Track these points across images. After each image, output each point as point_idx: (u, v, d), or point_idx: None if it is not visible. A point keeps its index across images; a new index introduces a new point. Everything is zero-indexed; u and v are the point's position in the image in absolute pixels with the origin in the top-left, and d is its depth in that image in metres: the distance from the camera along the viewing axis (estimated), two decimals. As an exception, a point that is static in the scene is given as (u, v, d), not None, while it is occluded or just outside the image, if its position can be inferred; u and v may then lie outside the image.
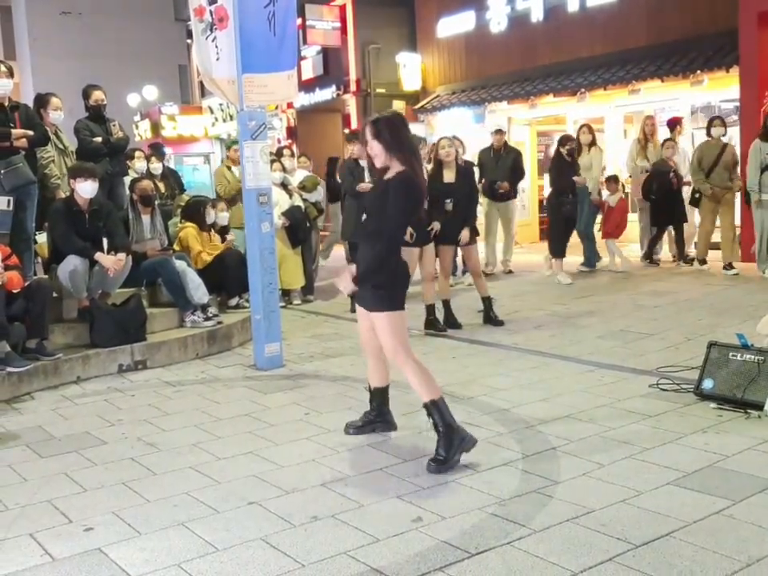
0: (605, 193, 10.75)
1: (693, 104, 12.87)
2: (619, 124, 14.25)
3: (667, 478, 3.70)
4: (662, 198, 10.41)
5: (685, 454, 4.01)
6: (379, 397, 4.59)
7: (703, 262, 10.30)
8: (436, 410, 4.05)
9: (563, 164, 9.77)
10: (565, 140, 9.92)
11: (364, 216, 4.28)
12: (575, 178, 9.73)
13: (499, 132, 10.91)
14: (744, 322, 6.50)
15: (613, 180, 10.78)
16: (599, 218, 10.95)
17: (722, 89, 12.10)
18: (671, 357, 5.93)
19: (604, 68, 13.39)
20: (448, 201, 7.35)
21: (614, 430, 4.43)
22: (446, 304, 7.62)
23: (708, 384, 4.86)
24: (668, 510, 3.35)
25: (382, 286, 4.12)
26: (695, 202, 10.40)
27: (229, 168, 9.64)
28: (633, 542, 3.08)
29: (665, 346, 6.34)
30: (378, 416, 4.60)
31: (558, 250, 9.96)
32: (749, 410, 4.55)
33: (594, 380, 5.50)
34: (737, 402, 4.65)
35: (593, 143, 10.83)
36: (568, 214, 9.73)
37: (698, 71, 11.90)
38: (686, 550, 3.00)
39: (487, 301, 7.72)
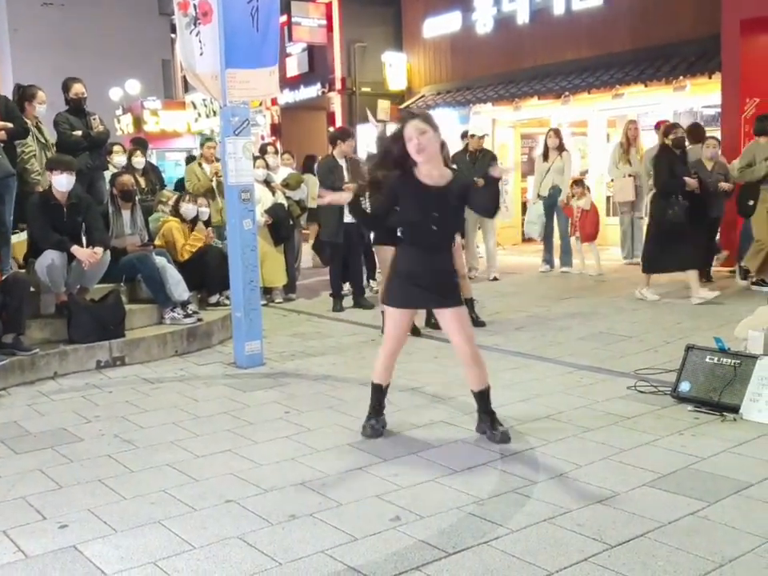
0: (573, 199, 10.71)
1: (675, 109, 12.95)
2: (602, 128, 14.33)
3: (643, 480, 3.72)
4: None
5: (661, 456, 4.03)
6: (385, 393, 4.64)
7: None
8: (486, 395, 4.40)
9: (672, 158, 8.36)
10: (670, 128, 8.57)
11: (426, 227, 4.16)
12: (687, 179, 8.34)
13: (473, 137, 10.79)
14: (722, 326, 6.55)
15: (579, 184, 10.71)
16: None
17: (704, 94, 12.19)
18: (650, 359, 5.97)
19: (588, 72, 13.44)
20: None
21: (592, 431, 4.45)
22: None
23: (685, 387, 4.90)
24: (643, 510, 3.37)
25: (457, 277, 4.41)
26: (748, 211, 9.04)
27: (200, 165, 9.57)
28: (608, 542, 3.10)
29: (644, 348, 6.38)
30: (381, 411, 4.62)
31: (653, 263, 8.44)
32: (725, 413, 4.59)
33: (573, 381, 5.53)
34: (713, 405, 4.69)
35: (561, 147, 10.88)
36: (676, 219, 8.12)
37: (681, 77, 11.98)
38: (660, 550, 3.02)
39: (470, 302, 7.72)
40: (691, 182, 8.37)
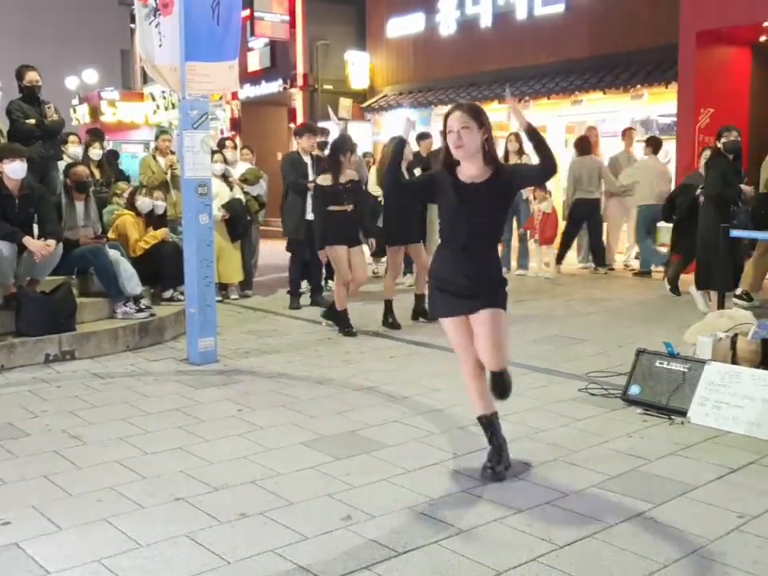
0: (535, 201, 10.79)
1: (633, 117, 13.16)
2: (561, 134, 14.48)
3: (592, 481, 3.76)
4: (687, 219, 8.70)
5: (610, 458, 4.08)
6: (497, 423, 3.98)
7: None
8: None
9: (725, 164, 7.68)
10: (722, 132, 7.83)
11: (461, 226, 3.82)
12: (743, 187, 7.82)
13: (426, 136, 10.76)
14: (672, 331, 6.65)
15: (542, 187, 10.77)
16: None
17: (660, 103, 12.41)
18: (601, 362, 6.04)
19: (548, 77, 13.60)
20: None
21: (543, 432, 4.49)
22: (389, 304, 7.67)
23: (635, 390, 4.97)
24: (591, 511, 3.41)
25: (505, 283, 4.00)
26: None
27: (155, 158, 9.48)
28: (557, 542, 3.13)
29: (596, 351, 6.46)
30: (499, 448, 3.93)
31: (710, 279, 7.58)
32: (673, 417, 4.66)
33: (526, 383, 5.56)
34: (662, 409, 4.77)
35: (521, 152, 10.95)
36: (742, 228, 7.29)
37: (639, 85, 12.18)
38: (607, 550, 3.06)
39: (422, 297, 7.75)
40: (747, 189, 7.91)
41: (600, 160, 11.16)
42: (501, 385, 3.90)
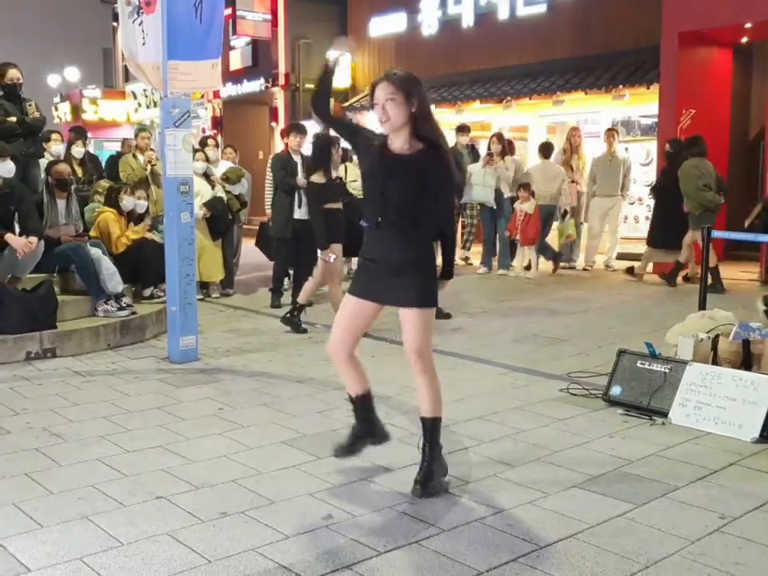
0: (518, 202, 10.82)
1: (614, 118, 13.23)
2: (542, 134, 14.53)
3: (573, 481, 3.78)
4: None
5: (591, 458, 4.10)
6: (369, 403, 3.94)
7: None
8: (438, 427, 3.75)
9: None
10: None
11: (375, 199, 3.60)
12: None
13: None
14: (654, 332, 6.68)
15: (525, 188, 10.80)
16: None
17: (642, 104, 12.48)
18: (582, 362, 6.07)
19: (530, 77, 13.63)
20: None
21: (525, 432, 4.51)
22: None
23: (616, 390, 5.00)
24: (573, 512, 3.43)
25: (432, 277, 3.63)
26: None
27: (135, 156, 9.45)
28: (538, 542, 3.14)
29: (577, 351, 6.49)
30: (370, 427, 3.93)
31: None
32: (654, 417, 4.69)
33: (507, 383, 5.59)
34: (643, 409, 4.79)
35: (504, 152, 11.01)
36: None
37: (620, 86, 12.24)
38: (588, 551, 3.07)
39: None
40: None
41: (560, 168, 11.27)
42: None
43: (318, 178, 7.09)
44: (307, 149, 10.95)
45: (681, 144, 10.19)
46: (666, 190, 10.05)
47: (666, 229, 10.06)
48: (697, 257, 9.60)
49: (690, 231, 9.67)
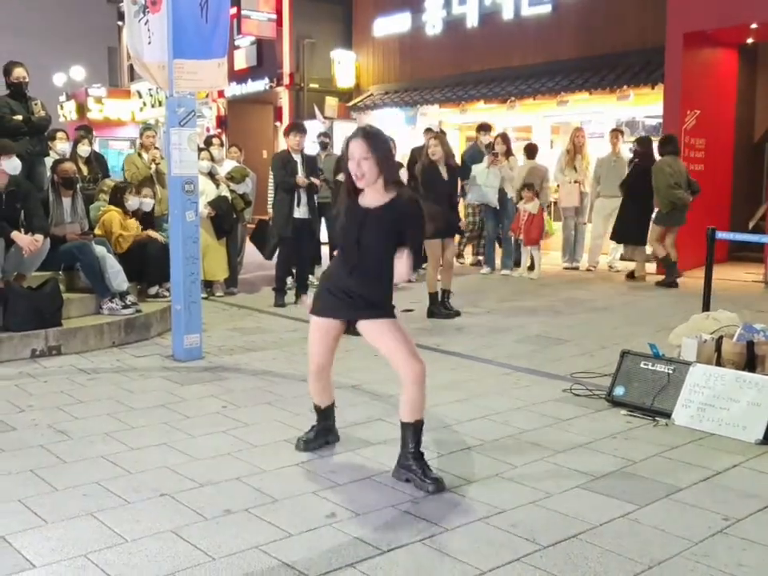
0: (522, 202, 10.83)
1: (618, 118, 13.22)
2: (546, 134, 14.52)
3: (576, 481, 3.78)
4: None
5: (594, 458, 4.11)
6: (331, 413, 4.29)
7: None
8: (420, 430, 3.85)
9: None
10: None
11: (351, 248, 3.82)
12: None
13: (429, 131, 10.99)
14: (657, 333, 6.69)
15: (530, 188, 10.81)
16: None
17: (646, 105, 12.47)
18: (586, 363, 6.07)
19: (534, 78, 13.63)
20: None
21: (528, 433, 4.51)
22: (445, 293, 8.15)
23: (619, 391, 5.00)
24: (576, 512, 3.43)
25: (390, 295, 3.87)
26: None
27: (140, 155, 9.48)
28: (541, 542, 3.14)
29: (580, 352, 6.49)
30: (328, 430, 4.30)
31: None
32: (657, 418, 4.69)
33: (510, 383, 5.59)
34: (646, 410, 4.79)
35: (509, 152, 11.02)
36: None
37: (625, 86, 12.23)
38: (591, 551, 3.08)
39: (447, 293, 8.20)
40: None
41: (545, 167, 11.34)
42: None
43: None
44: (315, 148, 11.04)
45: (650, 142, 10.51)
46: (634, 187, 10.26)
47: (630, 224, 10.36)
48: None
49: (655, 226, 10.13)
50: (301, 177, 8.54)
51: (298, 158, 8.71)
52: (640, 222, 10.30)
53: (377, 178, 3.74)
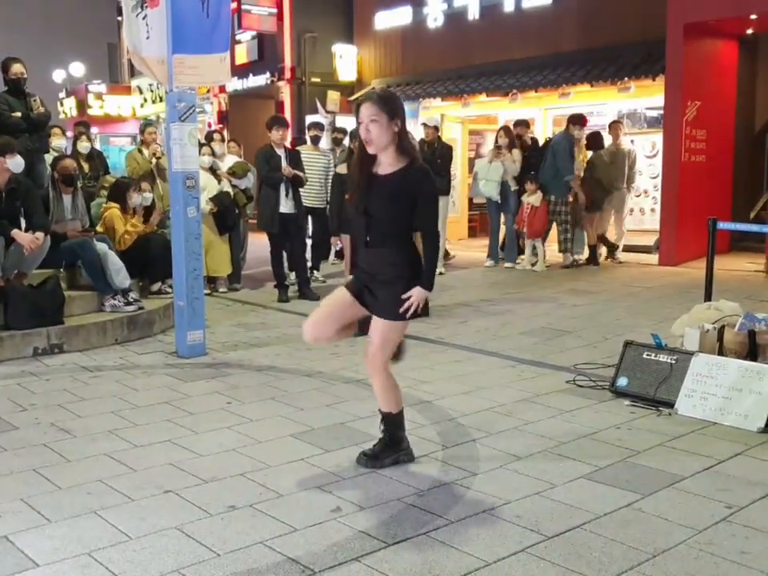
0: (525, 195, 10.79)
1: (620, 110, 13.18)
2: (549, 126, 14.49)
3: (580, 472, 3.78)
4: None
5: (598, 449, 4.11)
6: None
7: None
8: (391, 420, 3.92)
9: None
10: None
11: (360, 217, 3.74)
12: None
13: (426, 126, 10.90)
14: (660, 323, 6.69)
15: (532, 180, 10.74)
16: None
17: (648, 96, 12.44)
18: (589, 354, 6.07)
19: (536, 70, 13.58)
20: None
21: (532, 424, 4.51)
22: None
23: (623, 382, 5.00)
24: (580, 502, 3.43)
25: (406, 278, 3.70)
26: None
27: (141, 151, 9.47)
28: (545, 533, 3.14)
29: (583, 343, 6.49)
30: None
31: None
32: (660, 408, 4.69)
33: (514, 375, 5.59)
34: (649, 400, 4.79)
35: (512, 145, 10.96)
36: None
37: (626, 78, 12.19)
38: (596, 541, 3.08)
39: None
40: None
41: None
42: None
43: (341, 168, 8.23)
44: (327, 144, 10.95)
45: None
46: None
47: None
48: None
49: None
50: (286, 167, 8.49)
51: (281, 152, 8.66)
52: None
53: (387, 144, 3.63)
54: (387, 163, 3.69)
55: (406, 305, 3.65)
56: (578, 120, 10.88)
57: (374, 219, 3.69)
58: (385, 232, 3.69)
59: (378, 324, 3.75)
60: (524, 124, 11.60)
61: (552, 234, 11.59)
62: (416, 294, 3.66)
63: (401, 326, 3.77)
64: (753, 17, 10.52)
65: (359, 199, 3.73)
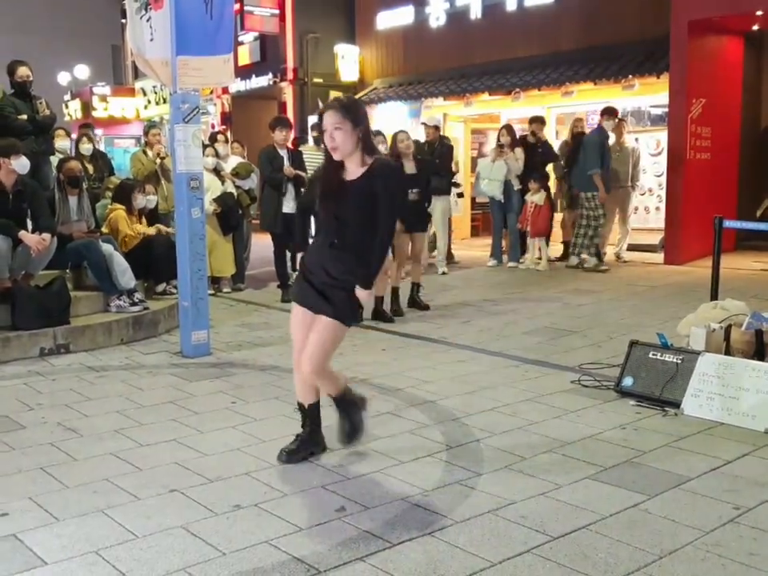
0: (529, 193, 10.78)
1: (624, 108, 13.16)
2: (552, 125, 14.47)
3: (586, 472, 3.78)
4: None
5: (603, 449, 4.10)
6: (316, 414, 4.10)
7: None
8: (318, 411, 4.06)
9: None
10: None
11: (329, 222, 3.79)
12: None
13: (426, 126, 10.92)
14: (665, 323, 6.68)
15: (536, 180, 10.71)
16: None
17: (652, 94, 12.41)
18: (594, 354, 6.06)
19: (539, 69, 13.57)
20: (413, 191, 7.66)
21: (536, 424, 4.51)
22: (396, 291, 7.89)
23: (628, 381, 4.99)
24: (586, 503, 3.43)
25: (368, 274, 3.77)
26: None
27: (145, 153, 9.50)
28: (551, 534, 3.14)
29: (588, 343, 6.48)
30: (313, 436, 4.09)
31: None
32: (666, 408, 4.68)
33: (518, 374, 5.59)
34: (655, 400, 4.78)
35: (514, 144, 10.95)
36: None
37: (630, 76, 12.17)
38: (601, 542, 3.07)
39: (417, 286, 8.12)
40: None
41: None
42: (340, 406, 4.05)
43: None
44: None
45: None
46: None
47: None
48: None
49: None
50: (288, 167, 8.54)
51: (284, 153, 8.70)
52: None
53: (353, 150, 3.70)
54: (352, 170, 3.76)
55: (360, 304, 3.80)
56: (608, 112, 10.71)
57: (342, 223, 3.74)
58: (352, 236, 3.74)
59: (327, 324, 3.75)
60: (539, 120, 11.42)
61: (554, 234, 11.60)
62: (361, 295, 3.76)
63: (345, 329, 3.84)
64: (758, 13, 10.50)
65: (328, 205, 3.78)
